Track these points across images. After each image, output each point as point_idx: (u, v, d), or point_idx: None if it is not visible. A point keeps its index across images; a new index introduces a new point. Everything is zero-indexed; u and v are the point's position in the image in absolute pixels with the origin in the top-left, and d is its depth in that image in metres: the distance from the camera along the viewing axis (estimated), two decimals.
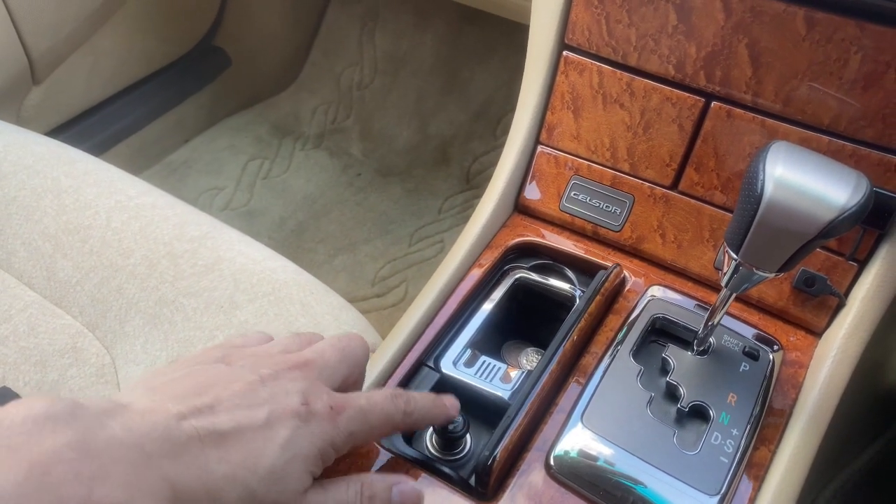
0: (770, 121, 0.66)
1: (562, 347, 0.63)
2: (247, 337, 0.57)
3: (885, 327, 0.70)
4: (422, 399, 0.55)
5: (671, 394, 0.63)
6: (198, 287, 0.82)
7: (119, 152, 1.65)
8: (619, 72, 0.71)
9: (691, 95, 0.69)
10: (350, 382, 0.55)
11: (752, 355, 0.65)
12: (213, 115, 1.86)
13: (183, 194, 1.68)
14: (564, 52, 0.74)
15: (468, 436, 0.62)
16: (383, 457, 0.60)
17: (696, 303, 0.70)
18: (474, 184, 1.77)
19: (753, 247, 0.53)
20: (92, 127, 1.60)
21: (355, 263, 1.57)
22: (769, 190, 0.51)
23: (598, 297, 0.68)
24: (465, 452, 0.62)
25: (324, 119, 1.91)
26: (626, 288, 0.73)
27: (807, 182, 0.51)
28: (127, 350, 0.80)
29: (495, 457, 0.57)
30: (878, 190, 0.63)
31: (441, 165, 1.82)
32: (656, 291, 0.72)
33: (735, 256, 0.55)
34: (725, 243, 0.56)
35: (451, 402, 0.57)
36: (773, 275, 0.55)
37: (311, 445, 0.46)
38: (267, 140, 1.84)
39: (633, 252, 0.76)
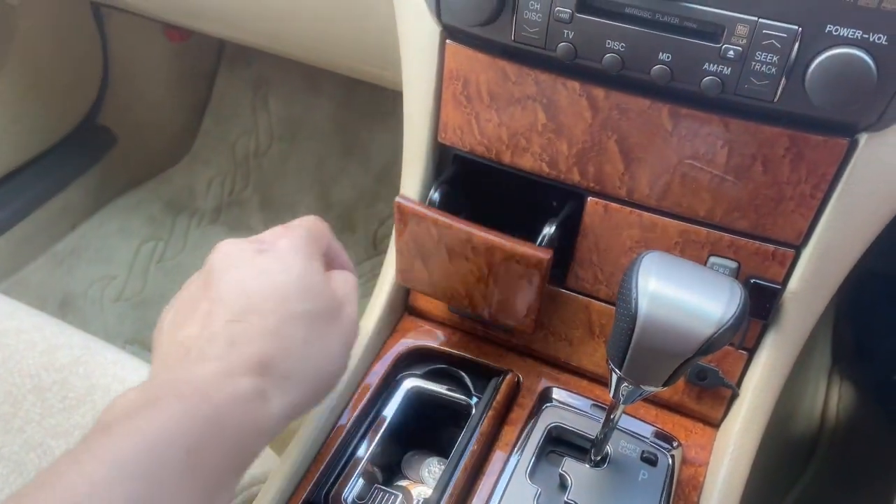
0: (647, 214, 0.65)
1: (453, 480, 0.60)
2: None
3: (792, 378, 0.69)
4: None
5: None
6: (67, 425, 0.76)
7: None
8: (456, 226, 0.67)
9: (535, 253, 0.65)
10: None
11: (650, 461, 0.63)
12: (102, 198, 1.75)
13: (72, 287, 1.58)
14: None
15: None
16: None
17: (593, 402, 0.68)
18: (382, 248, 1.73)
19: (634, 364, 0.52)
20: None
21: None
22: (643, 308, 0.49)
23: (490, 412, 0.65)
24: None
25: (220, 191, 1.84)
26: (521, 394, 0.70)
27: (681, 297, 0.49)
28: None
29: None
30: (756, 281, 0.63)
31: (346, 232, 1.77)
32: (553, 394, 0.69)
33: (618, 372, 0.53)
34: (608, 357, 0.54)
35: None
36: (659, 388, 0.53)
37: (307, 246, 0.55)
38: (160, 219, 1.75)
39: (527, 352, 0.73)
